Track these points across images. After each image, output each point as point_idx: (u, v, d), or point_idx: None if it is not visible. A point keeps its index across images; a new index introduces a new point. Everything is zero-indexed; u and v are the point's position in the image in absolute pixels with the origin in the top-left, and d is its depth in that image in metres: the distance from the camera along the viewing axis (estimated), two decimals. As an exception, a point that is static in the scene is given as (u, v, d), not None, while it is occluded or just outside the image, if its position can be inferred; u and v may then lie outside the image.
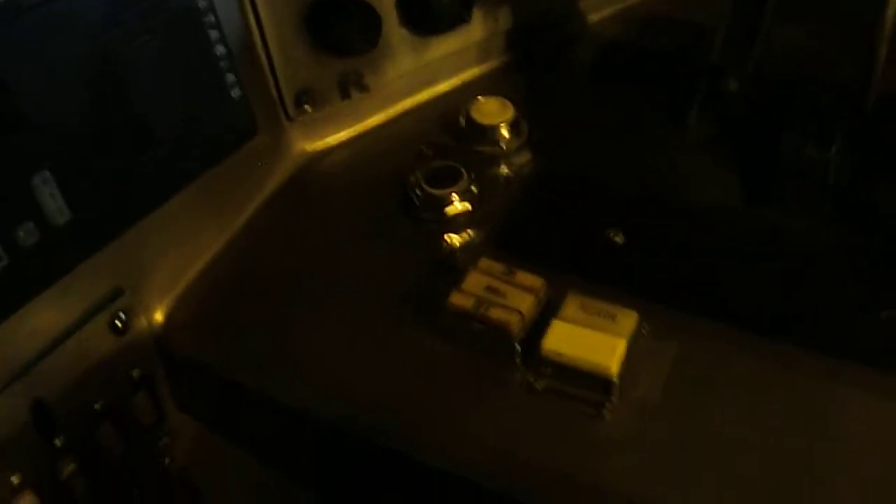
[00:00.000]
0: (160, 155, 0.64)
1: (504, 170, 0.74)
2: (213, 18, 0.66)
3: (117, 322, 0.64)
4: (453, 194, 0.69)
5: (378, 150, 0.78)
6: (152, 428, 0.70)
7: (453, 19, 0.79)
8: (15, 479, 0.59)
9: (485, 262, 0.63)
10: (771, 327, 0.61)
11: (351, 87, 0.77)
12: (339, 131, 0.79)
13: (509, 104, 0.77)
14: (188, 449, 0.75)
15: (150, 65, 0.63)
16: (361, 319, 0.64)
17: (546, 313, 0.60)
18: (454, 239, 0.68)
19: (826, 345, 0.60)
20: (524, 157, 0.75)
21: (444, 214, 0.69)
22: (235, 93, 0.69)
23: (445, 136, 0.78)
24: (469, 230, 0.68)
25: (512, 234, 0.68)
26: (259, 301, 0.67)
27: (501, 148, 0.76)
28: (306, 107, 0.76)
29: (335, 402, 0.61)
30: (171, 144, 0.65)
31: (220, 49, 0.67)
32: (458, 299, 0.60)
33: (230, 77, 0.68)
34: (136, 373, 0.67)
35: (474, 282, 0.61)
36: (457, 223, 0.69)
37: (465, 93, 0.82)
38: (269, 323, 0.65)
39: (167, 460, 0.73)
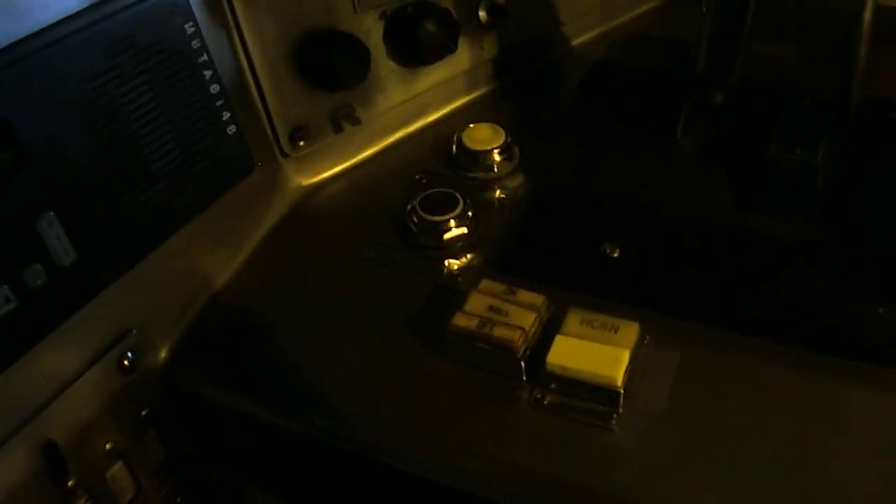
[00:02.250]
0: (160, 193, 0.65)
1: (498, 194, 0.75)
2: (206, 58, 0.67)
3: (125, 362, 0.65)
4: (451, 220, 0.70)
5: (373, 181, 0.79)
6: (163, 467, 0.70)
7: (440, 49, 0.80)
8: (30, 523, 0.59)
9: (486, 283, 0.64)
10: (771, 330, 0.62)
11: (343, 120, 0.79)
12: (334, 164, 0.80)
13: (500, 129, 0.78)
14: (200, 487, 0.75)
15: (146, 105, 0.64)
16: (367, 346, 0.65)
17: (549, 329, 0.61)
18: (453, 263, 0.69)
19: (827, 345, 0.61)
20: (517, 181, 0.76)
21: (442, 240, 0.70)
22: (231, 130, 0.70)
23: (438, 164, 0.79)
24: (468, 254, 0.69)
25: (510, 254, 0.69)
26: (264, 333, 0.68)
27: (494, 172, 0.77)
28: (301, 142, 0.77)
29: (346, 428, 0.62)
30: (170, 182, 0.66)
31: (214, 87, 0.68)
32: (461, 320, 0.61)
33: (226, 114, 0.69)
34: (144, 412, 0.67)
35: (476, 302, 0.62)
36: (455, 248, 0.70)
37: (456, 120, 0.83)
38: (275, 354, 0.66)
39: (179, 500, 0.73)
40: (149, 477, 0.69)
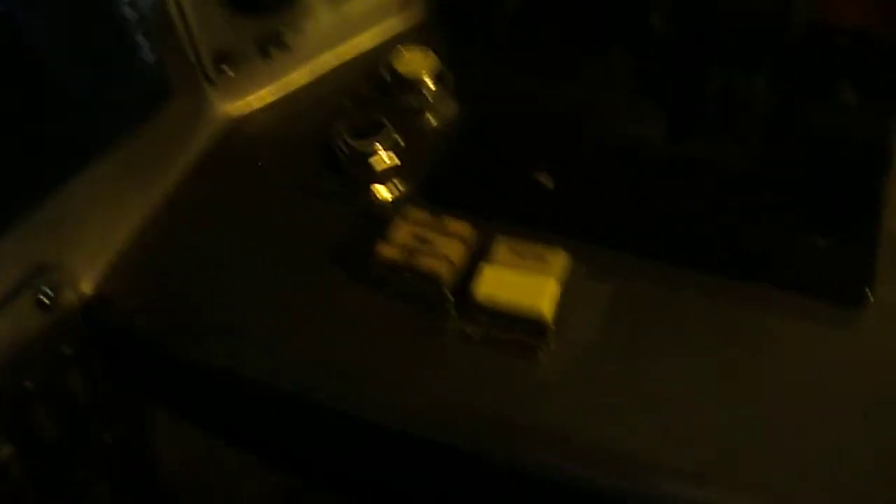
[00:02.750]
0: (70, 123, 0.62)
1: (430, 120, 0.73)
2: (120, -19, 0.64)
3: (43, 298, 0.62)
4: (378, 146, 0.68)
5: (303, 108, 0.77)
6: (90, 405, 0.68)
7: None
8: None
9: (411, 212, 0.62)
10: (705, 260, 0.61)
11: (270, 46, 0.76)
12: (261, 92, 0.78)
13: (432, 54, 0.76)
14: (134, 424, 0.74)
15: (54, 31, 0.61)
16: (295, 278, 0.63)
17: (477, 259, 0.59)
18: (382, 192, 0.67)
19: (763, 275, 0.60)
20: (450, 107, 0.74)
21: (371, 168, 0.68)
22: (147, 57, 0.67)
23: (370, 91, 0.77)
24: (397, 182, 0.67)
25: (440, 183, 0.67)
26: (188, 266, 0.66)
27: (426, 98, 0.74)
28: (226, 69, 0.74)
29: (272, 363, 0.60)
30: (82, 112, 0.63)
31: (129, 13, 0.65)
32: (385, 250, 0.59)
33: (141, 40, 0.66)
34: (67, 350, 0.65)
35: (401, 232, 0.60)
36: (384, 176, 0.68)
37: (389, 45, 0.80)
38: (202, 288, 0.64)
39: (109, 438, 0.72)
40: (73, 417, 0.67)
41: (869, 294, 0.58)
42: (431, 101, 0.75)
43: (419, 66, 0.75)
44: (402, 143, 0.69)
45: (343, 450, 0.63)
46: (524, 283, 0.57)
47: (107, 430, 0.71)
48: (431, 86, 0.74)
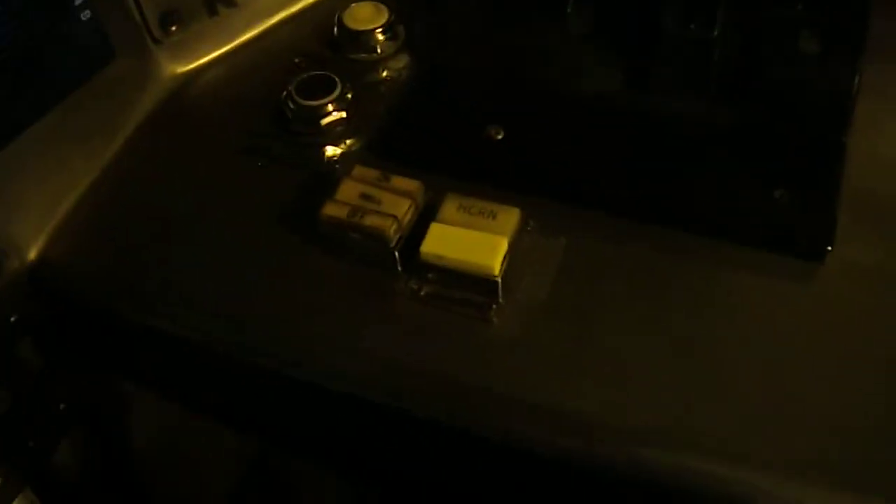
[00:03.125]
0: (5, 87, 0.61)
1: (382, 75, 0.71)
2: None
3: (-13, 265, 0.61)
4: (328, 104, 0.66)
5: (251, 67, 0.75)
6: (42, 373, 0.67)
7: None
8: None
9: (358, 170, 0.60)
10: (662, 215, 0.60)
11: (218, 3, 0.74)
12: (209, 50, 0.76)
13: (384, 8, 0.74)
14: (91, 391, 0.73)
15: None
16: (242, 239, 0.62)
17: (426, 217, 0.58)
18: (332, 150, 0.65)
19: (720, 229, 0.59)
20: (402, 62, 0.72)
21: (320, 126, 0.66)
22: (85, 15, 0.65)
23: (320, 47, 0.75)
24: (347, 140, 0.66)
25: (390, 139, 0.66)
26: (135, 230, 0.64)
27: (377, 53, 0.72)
28: (173, 27, 0.72)
29: (218, 326, 0.59)
30: (17, 75, 0.61)
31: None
32: (331, 209, 0.58)
33: (81, 1, 0.64)
34: (14, 317, 0.63)
35: (348, 190, 0.59)
36: (334, 134, 0.66)
37: (339, 0, 0.78)
38: (148, 251, 0.63)
39: (62, 406, 0.70)
40: (27, 386, 0.66)
41: (829, 248, 0.57)
42: (382, 54, 0.73)
43: (370, 20, 0.73)
44: (353, 100, 0.67)
45: (294, 412, 0.62)
46: (473, 241, 0.55)
47: (62, 398, 0.70)
48: (382, 40, 0.72)
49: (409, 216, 0.58)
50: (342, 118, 0.66)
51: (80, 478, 0.76)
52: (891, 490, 0.48)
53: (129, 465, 0.81)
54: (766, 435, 0.50)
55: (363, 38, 0.72)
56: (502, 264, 0.55)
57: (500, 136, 0.64)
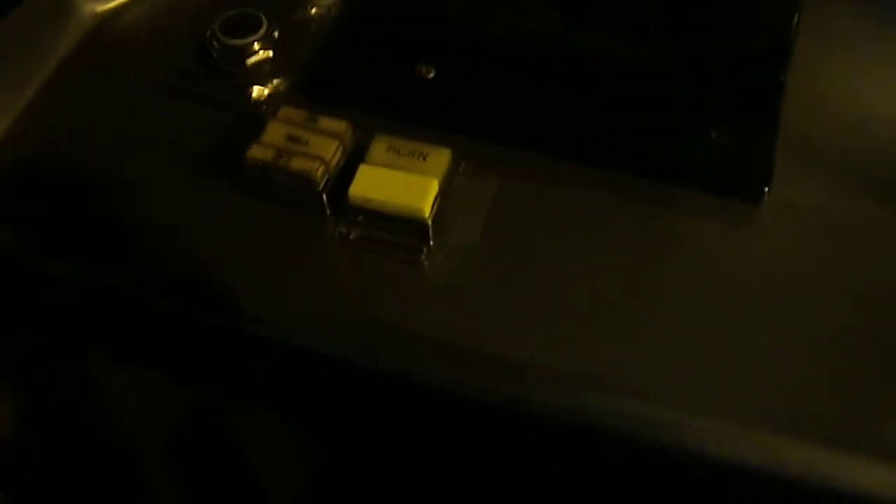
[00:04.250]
0: None
1: (311, 13, 0.69)
2: None
3: None
4: (254, 43, 0.63)
5: (174, 5, 0.71)
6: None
7: None
8: None
9: (284, 111, 0.58)
10: (597, 156, 0.59)
11: (139, -66, 0.71)
12: (131, -14, 0.73)
13: (312, -61, 0.71)
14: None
15: None
16: (165, 184, 0.60)
17: (354, 159, 0.56)
18: (258, 90, 0.63)
19: (656, 170, 0.58)
20: (332, -2, 0.70)
21: (246, 65, 0.63)
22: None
23: (247, -16, 0.72)
24: (274, 79, 0.63)
25: (318, 79, 0.64)
26: (55, 181, 0.61)
27: (306, -13, 0.70)
28: (91, -38, 0.69)
29: (139, 277, 0.57)
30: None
31: None
32: (256, 152, 0.56)
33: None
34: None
35: (274, 132, 0.57)
36: (260, 73, 0.64)
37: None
38: (69, 200, 0.60)
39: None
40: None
41: (767, 189, 0.56)
42: (311, -11, 0.70)
43: (297, -47, 0.70)
44: (280, 39, 0.64)
45: (221, 360, 0.61)
46: (403, 182, 0.54)
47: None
48: (311, -27, 0.70)
49: (336, 158, 0.56)
50: (268, 57, 0.64)
51: (16, 438, 0.74)
52: (830, 433, 0.48)
53: (61, 422, 0.79)
54: (706, 379, 0.49)
55: (292, -26, 0.70)
56: (433, 206, 0.54)
57: (431, 75, 0.63)
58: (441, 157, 0.55)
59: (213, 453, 0.76)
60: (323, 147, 0.56)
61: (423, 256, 0.54)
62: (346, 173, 0.55)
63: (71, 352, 0.70)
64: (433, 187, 0.54)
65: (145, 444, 0.80)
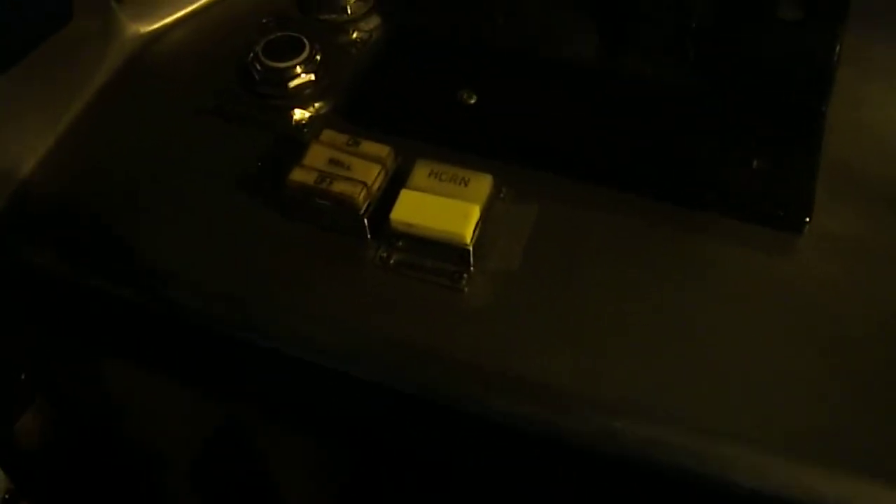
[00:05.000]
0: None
1: (352, 37, 0.69)
2: None
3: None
4: (296, 66, 0.64)
5: (218, 26, 0.72)
6: (2, 342, 0.66)
7: None
8: None
9: (327, 134, 0.59)
10: (637, 183, 0.59)
11: (183, -41, 0.72)
12: (174, 10, 0.73)
13: (354, -34, 0.72)
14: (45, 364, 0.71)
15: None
16: (207, 204, 0.60)
17: (396, 183, 0.56)
18: (300, 113, 0.63)
19: (696, 198, 0.58)
20: (372, 23, 0.70)
21: (287, 88, 0.64)
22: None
23: (289, 7, 0.73)
24: (315, 103, 0.64)
25: (360, 103, 0.64)
26: (97, 196, 0.62)
27: (348, 14, 0.70)
28: (135, -15, 0.70)
29: (182, 294, 0.57)
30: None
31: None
32: (299, 175, 0.56)
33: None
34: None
35: (316, 155, 0.57)
36: (302, 96, 0.64)
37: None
38: (110, 217, 0.61)
39: (23, 377, 0.69)
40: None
41: (808, 219, 0.56)
42: (353, 15, 0.70)
43: (339, -22, 0.71)
44: (322, 62, 0.65)
45: (259, 379, 0.61)
46: (445, 208, 0.54)
47: (22, 368, 0.68)
48: (352, 0, 0.70)
49: (378, 182, 0.56)
50: (310, 80, 0.64)
51: (45, 446, 0.74)
52: (868, 462, 0.47)
53: (93, 434, 0.79)
54: (743, 408, 0.49)
55: (333, -1, 0.70)
56: (474, 232, 0.54)
57: (472, 101, 0.63)
58: (482, 183, 0.55)
59: (240, 468, 0.76)
60: (365, 171, 0.56)
61: (463, 281, 0.54)
62: (387, 197, 0.56)
63: (104, 364, 0.71)
64: (475, 213, 0.54)
65: (174, 456, 0.80)
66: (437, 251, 0.54)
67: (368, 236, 0.56)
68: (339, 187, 0.55)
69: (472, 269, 0.55)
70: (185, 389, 0.70)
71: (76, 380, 0.74)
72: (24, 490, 0.72)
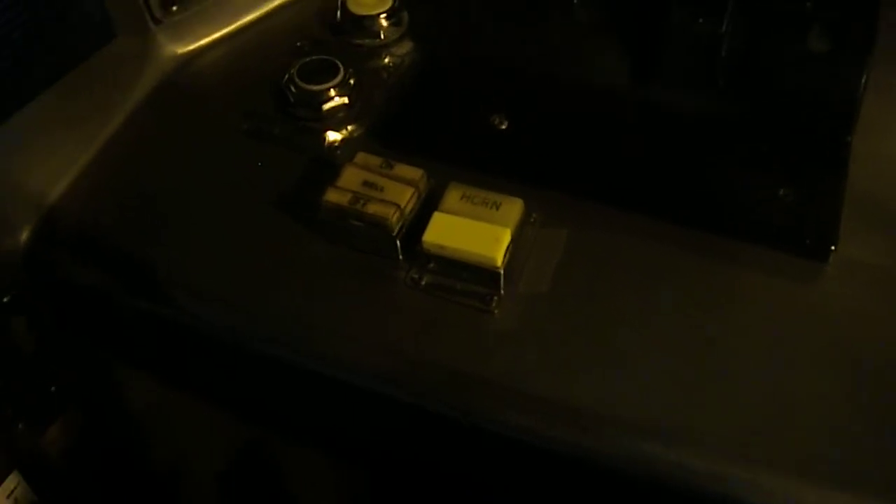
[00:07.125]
0: (3, 63, 0.60)
1: (385, 61, 0.70)
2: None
3: (-22, 245, 0.60)
4: (330, 89, 0.65)
5: (253, 49, 0.74)
6: (34, 354, 0.66)
7: None
8: None
9: (361, 157, 0.59)
10: (666, 210, 0.59)
11: (220, -18, 0.73)
12: (211, 31, 0.74)
13: (387, -8, 0.73)
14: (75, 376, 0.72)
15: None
16: (241, 224, 0.61)
17: (428, 206, 0.57)
18: (333, 135, 0.64)
19: (723, 226, 0.58)
20: (405, 48, 0.71)
21: (321, 111, 0.65)
22: (88, -1, 0.64)
23: (323, 31, 0.74)
24: (349, 125, 0.65)
25: (393, 126, 0.65)
26: (132, 212, 0.63)
27: (381, 39, 0.71)
28: (174, 7, 0.71)
29: (215, 314, 0.58)
30: (15, 53, 0.60)
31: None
32: (333, 196, 0.57)
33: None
34: (6, 298, 0.63)
35: (350, 177, 0.58)
36: (335, 119, 0.65)
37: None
38: (145, 234, 0.62)
39: (53, 388, 0.70)
40: (18, 368, 0.65)
41: (833, 248, 0.57)
42: (386, 40, 0.72)
43: (374, 4, 0.72)
44: (356, 86, 0.66)
45: (289, 399, 0.62)
46: (476, 231, 0.55)
47: (53, 380, 0.69)
48: (386, 25, 0.71)
49: (411, 204, 0.57)
50: (344, 104, 0.65)
51: (70, 460, 0.75)
52: (890, 492, 0.47)
53: (118, 448, 0.80)
54: (767, 434, 0.50)
55: (367, 23, 0.71)
56: (505, 255, 0.55)
57: (504, 126, 0.64)
58: (514, 207, 0.56)
59: (267, 486, 0.77)
60: (398, 193, 0.57)
61: (494, 304, 0.55)
62: (419, 220, 0.57)
63: (135, 379, 0.72)
64: (506, 237, 0.55)
65: (199, 471, 0.81)
66: (468, 273, 0.55)
67: (400, 257, 0.57)
68: (372, 209, 0.56)
69: (502, 291, 0.55)
70: (214, 406, 0.71)
71: (105, 393, 0.75)
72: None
